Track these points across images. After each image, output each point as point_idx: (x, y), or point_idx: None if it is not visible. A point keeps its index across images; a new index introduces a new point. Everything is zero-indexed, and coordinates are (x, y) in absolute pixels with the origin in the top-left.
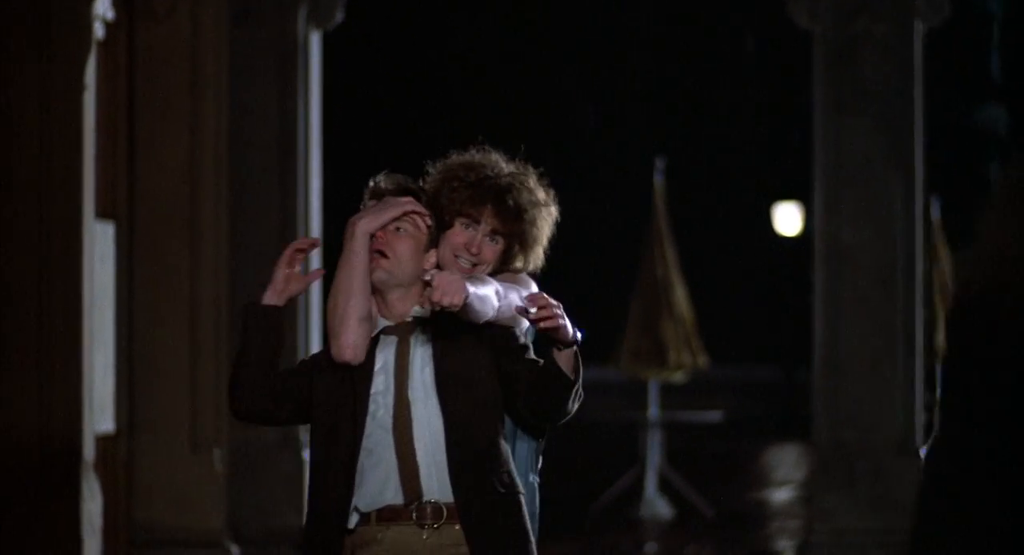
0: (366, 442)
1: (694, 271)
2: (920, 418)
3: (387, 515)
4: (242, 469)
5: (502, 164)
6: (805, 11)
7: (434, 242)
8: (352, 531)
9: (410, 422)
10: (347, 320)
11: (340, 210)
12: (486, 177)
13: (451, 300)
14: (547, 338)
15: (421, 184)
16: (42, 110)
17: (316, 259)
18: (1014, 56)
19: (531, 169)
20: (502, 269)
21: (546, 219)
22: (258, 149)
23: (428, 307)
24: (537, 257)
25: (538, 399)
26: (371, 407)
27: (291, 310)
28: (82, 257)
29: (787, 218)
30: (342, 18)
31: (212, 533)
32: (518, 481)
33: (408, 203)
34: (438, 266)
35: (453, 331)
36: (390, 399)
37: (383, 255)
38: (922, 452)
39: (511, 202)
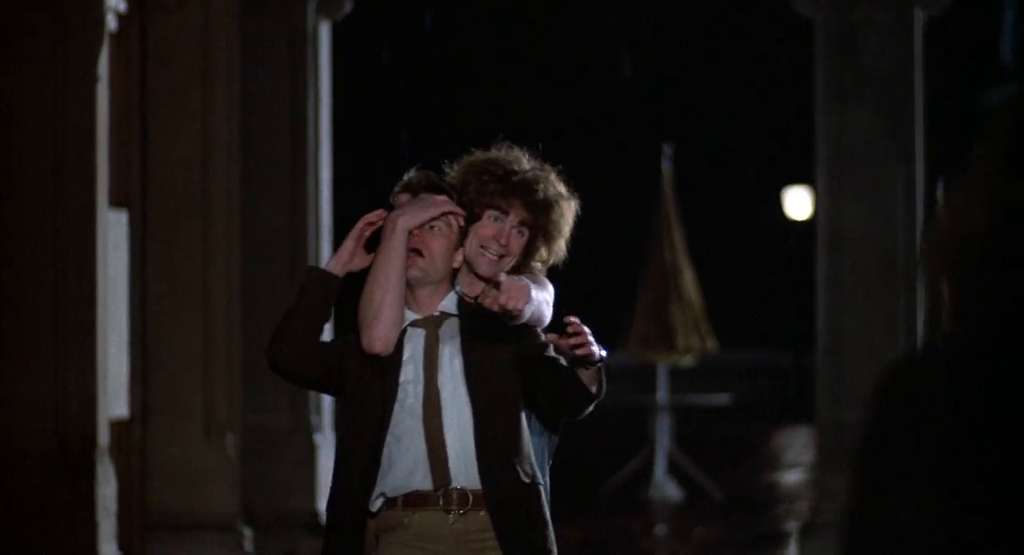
0: (394, 428)
1: (704, 255)
2: None
3: (414, 500)
4: (255, 453)
5: (524, 160)
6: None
7: (462, 241)
8: (376, 515)
9: (440, 411)
10: (382, 313)
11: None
12: (513, 171)
13: (515, 304)
14: (574, 358)
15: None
16: (56, 101)
17: (326, 246)
18: None
19: (549, 166)
20: (524, 262)
21: (569, 213)
22: (268, 138)
23: (490, 303)
24: (560, 250)
25: (560, 407)
26: (400, 394)
27: None
28: (96, 245)
29: (797, 202)
30: (351, 8)
31: (225, 516)
32: (539, 472)
33: (446, 203)
34: (464, 259)
35: (480, 326)
36: (419, 388)
37: (419, 253)
38: None
39: (540, 195)
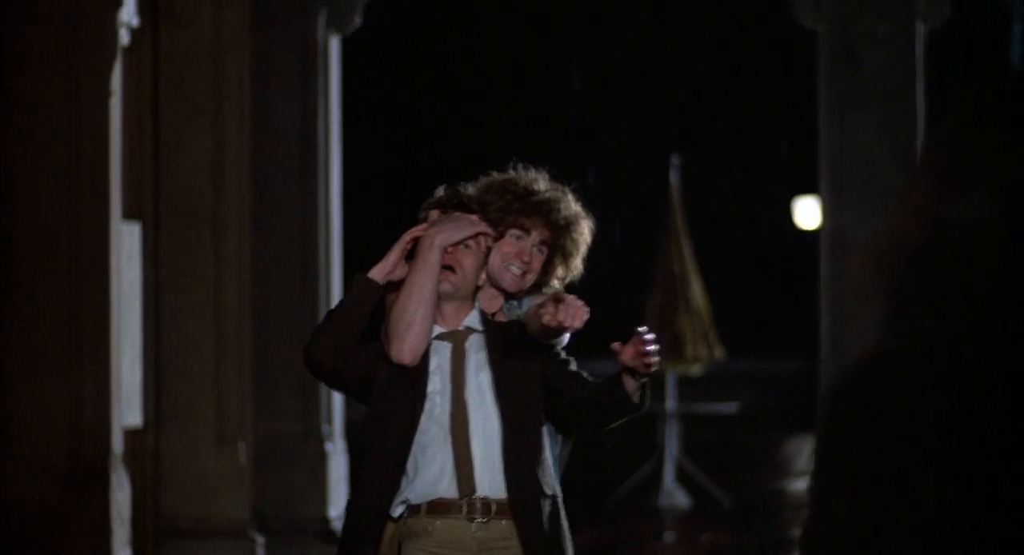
0: (420, 437)
1: (713, 265)
2: None
3: (438, 508)
4: (266, 461)
5: (542, 181)
6: (810, 12)
7: (486, 259)
8: (398, 521)
9: (467, 421)
10: (413, 326)
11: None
12: (534, 191)
13: (572, 323)
14: (630, 366)
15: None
16: (71, 115)
17: (336, 256)
18: None
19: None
20: (543, 279)
21: (586, 231)
22: (279, 150)
23: (547, 323)
24: (576, 267)
25: (598, 417)
26: (427, 404)
27: (311, 305)
28: (110, 256)
29: (807, 212)
30: (360, 22)
31: (237, 523)
32: (558, 485)
33: (480, 223)
34: (488, 276)
35: (505, 341)
36: (447, 399)
37: (451, 270)
38: None
39: (560, 215)
